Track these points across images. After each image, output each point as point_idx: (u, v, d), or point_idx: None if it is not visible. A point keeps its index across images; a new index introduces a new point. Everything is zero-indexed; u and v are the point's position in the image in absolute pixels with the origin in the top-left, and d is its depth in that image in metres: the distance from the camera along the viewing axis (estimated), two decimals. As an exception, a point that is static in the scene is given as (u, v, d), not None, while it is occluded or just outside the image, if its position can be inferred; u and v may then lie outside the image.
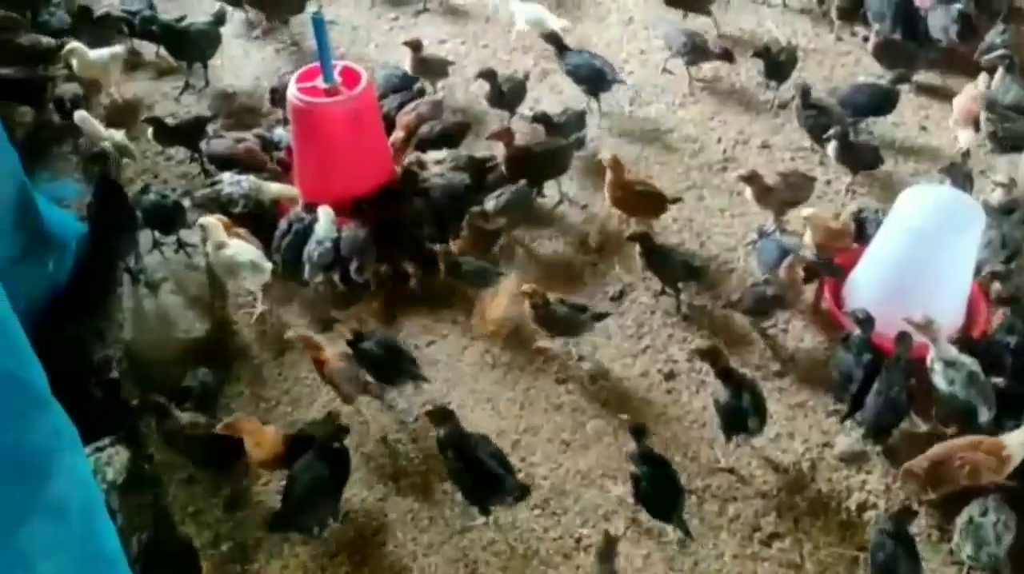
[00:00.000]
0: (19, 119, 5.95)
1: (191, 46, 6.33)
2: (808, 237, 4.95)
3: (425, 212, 5.29)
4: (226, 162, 5.60)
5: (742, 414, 4.17)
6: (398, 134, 5.77)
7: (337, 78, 5.18)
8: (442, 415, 4.06)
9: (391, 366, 4.52)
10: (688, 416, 4.55)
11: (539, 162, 5.49)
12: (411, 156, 5.62)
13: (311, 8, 6.70)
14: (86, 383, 4.59)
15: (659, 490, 3.95)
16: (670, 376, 4.72)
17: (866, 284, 4.72)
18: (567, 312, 4.70)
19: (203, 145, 5.72)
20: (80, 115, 5.61)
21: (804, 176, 5.40)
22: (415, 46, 6.20)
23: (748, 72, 6.47)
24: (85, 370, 4.67)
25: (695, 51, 6.25)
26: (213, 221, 4.90)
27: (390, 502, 4.24)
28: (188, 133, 5.77)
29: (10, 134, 5.72)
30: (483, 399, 4.66)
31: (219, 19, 6.45)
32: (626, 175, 5.26)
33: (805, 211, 5.00)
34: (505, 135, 5.47)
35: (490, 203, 5.21)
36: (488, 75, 6.00)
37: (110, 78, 6.34)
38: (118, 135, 5.66)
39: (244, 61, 6.79)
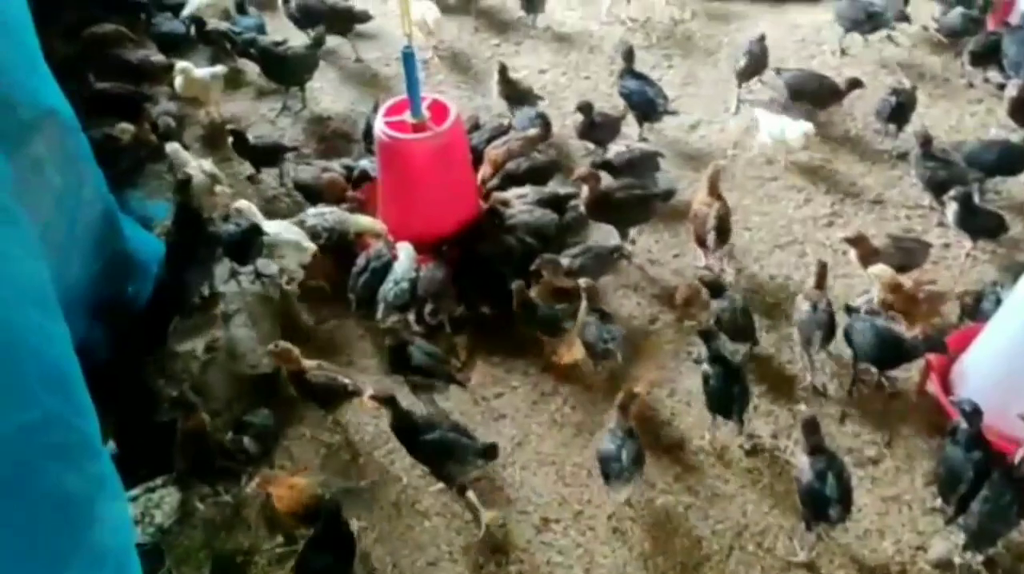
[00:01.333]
0: (120, 135, 5.98)
1: (288, 70, 6.31)
2: (875, 293, 4.62)
3: (510, 251, 5.10)
4: (310, 190, 5.55)
5: (824, 500, 3.80)
6: (486, 169, 5.60)
7: (425, 113, 5.03)
8: (387, 401, 4.13)
9: (436, 373, 4.54)
10: (767, 500, 4.19)
11: (620, 207, 5.22)
12: (496, 193, 5.44)
13: (389, 33, 6.65)
14: (150, 413, 4.63)
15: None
16: (752, 452, 4.37)
17: (979, 370, 4.27)
18: (596, 332, 4.55)
19: (290, 171, 5.69)
20: (172, 147, 5.66)
21: (918, 241, 4.95)
22: (502, 69, 6.08)
23: (866, 118, 6.02)
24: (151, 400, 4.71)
25: (823, 94, 5.85)
26: (247, 204, 5.12)
27: (441, 569, 4.04)
28: (264, 155, 5.83)
29: (109, 149, 5.85)
30: (548, 462, 4.41)
31: (317, 43, 6.41)
32: (717, 194, 5.07)
33: (874, 267, 4.63)
34: (591, 178, 5.20)
35: (565, 260, 4.96)
36: (584, 108, 5.77)
37: (210, 96, 6.38)
38: (207, 164, 5.68)
39: (343, 85, 6.72)
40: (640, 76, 6.01)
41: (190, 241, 4.89)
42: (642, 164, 5.52)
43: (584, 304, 4.68)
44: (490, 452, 4.12)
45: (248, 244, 5.02)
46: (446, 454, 4.08)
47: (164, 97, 6.54)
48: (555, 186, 5.60)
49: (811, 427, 3.93)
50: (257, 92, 6.72)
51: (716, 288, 4.72)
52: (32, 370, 3.37)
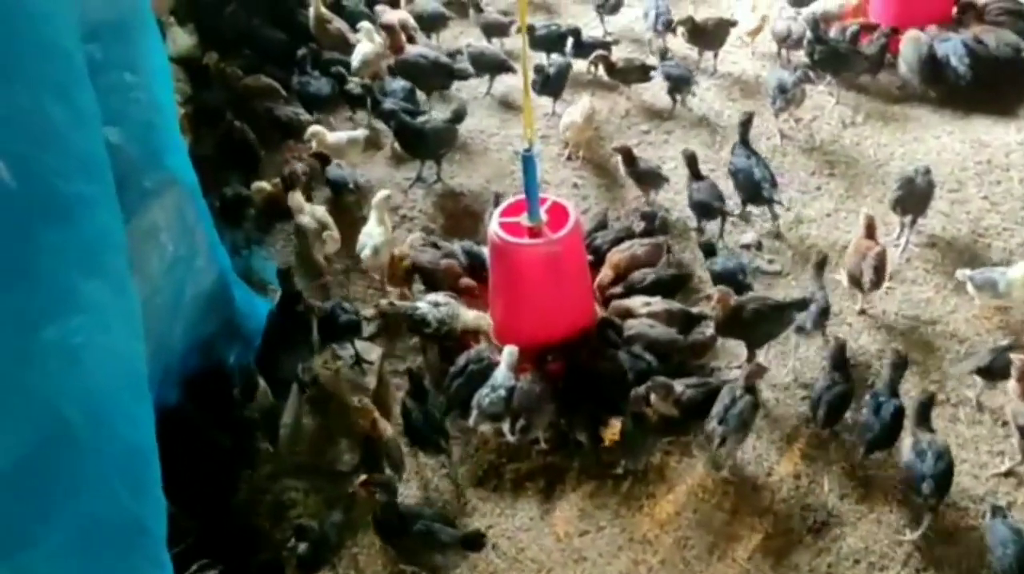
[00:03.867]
0: (254, 194, 6.01)
1: (423, 144, 6.15)
2: None
3: (621, 370, 4.71)
4: (427, 274, 5.37)
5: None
6: (606, 273, 5.24)
7: (543, 216, 4.74)
8: (384, 486, 4.12)
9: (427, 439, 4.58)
10: None
11: (753, 321, 4.75)
12: (616, 302, 5.07)
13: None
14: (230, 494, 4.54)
15: None
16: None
17: None
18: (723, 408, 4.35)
19: (410, 252, 5.53)
20: (295, 198, 5.69)
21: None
22: (626, 152, 5.79)
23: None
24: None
25: None
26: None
27: None
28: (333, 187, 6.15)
29: (239, 208, 5.89)
30: (620, 625, 3.99)
31: (457, 116, 6.25)
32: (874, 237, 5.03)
33: None
34: (724, 298, 4.76)
35: (679, 386, 4.52)
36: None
37: (347, 159, 6.33)
38: (320, 210, 5.70)
39: (481, 160, 6.51)
40: (752, 153, 5.62)
41: (289, 327, 4.78)
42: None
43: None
44: (475, 542, 4.09)
45: (345, 329, 4.90)
46: (431, 545, 4.06)
47: (307, 154, 6.56)
48: (684, 301, 5.20)
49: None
50: (396, 157, 6.60)
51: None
52: (111, 457, 3.32)
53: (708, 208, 5.60)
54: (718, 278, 5.09)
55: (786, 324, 4.86)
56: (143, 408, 3.71)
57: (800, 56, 6.76)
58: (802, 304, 4.86)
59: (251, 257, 5.89)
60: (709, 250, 5.24)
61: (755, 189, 5.53)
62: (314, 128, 6.25)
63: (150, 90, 4.41)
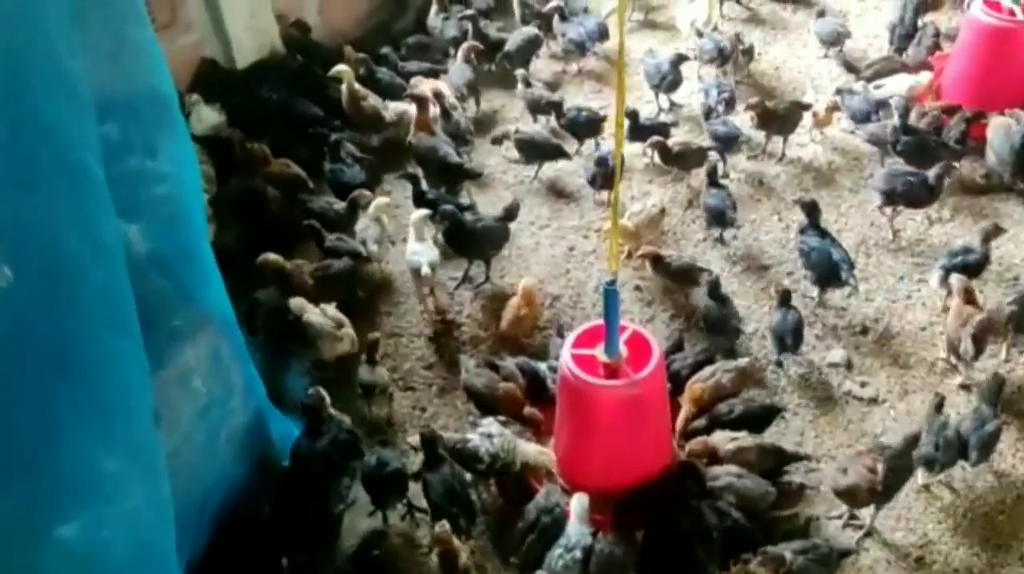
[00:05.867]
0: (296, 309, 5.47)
1: (473, 243, 5.61)
2: None
3: (707, 529, 4.15)
4: (482, 400, 4.83)
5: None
6: (688, 409, 4.68)
7: (622, 349, 4.20)
8: None
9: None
10: None
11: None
12: (699, 441, 4.52)
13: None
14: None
15: None
16: None
17: None
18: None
19: (463, 374, 4.99)
20: (297, 301, 5.23)
21: None
22: (655, 258, 5.46)
23: None
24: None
25: None
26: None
27: None
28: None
29: (278, 319, 5.34)
30: None
31: (510, 214, 5.70)
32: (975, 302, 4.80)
33: None
34: (874, 465, 4.15)
35: (788, 554, 3.94)
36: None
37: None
38: (331, 309, 5.25)
39: (533, 257, 5.94)
40: (826, 234, 5.25)
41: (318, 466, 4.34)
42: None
43: None
44: None
45: (390, 486, 4.39)
46: None
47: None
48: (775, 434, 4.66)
49: None
50: (444, 254, 6.01)
51: None
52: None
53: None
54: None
55: (911, 470, 4.32)
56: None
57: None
58: (914, 442, 4.30)
59: (287, 373, 5.34)
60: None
61: (832, 270, 5.13)
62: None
63: (175, 183, 3.82)
